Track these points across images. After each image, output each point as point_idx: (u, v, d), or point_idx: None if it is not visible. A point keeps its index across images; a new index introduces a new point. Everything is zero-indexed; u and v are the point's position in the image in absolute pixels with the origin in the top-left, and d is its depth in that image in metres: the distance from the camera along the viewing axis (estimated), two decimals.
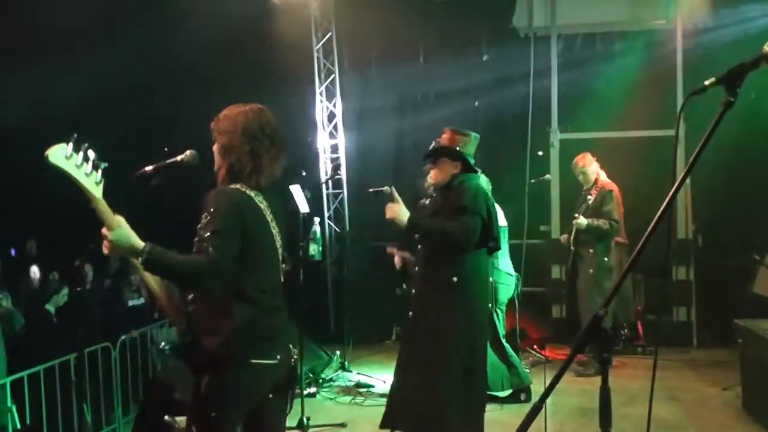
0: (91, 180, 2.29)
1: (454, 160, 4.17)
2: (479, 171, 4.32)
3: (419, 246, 4.25)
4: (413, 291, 4.27)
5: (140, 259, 2.38)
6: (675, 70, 8.16)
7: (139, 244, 2.39)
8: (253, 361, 2.55)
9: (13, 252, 10.05)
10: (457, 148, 4.19)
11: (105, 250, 2.41)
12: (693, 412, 5.51)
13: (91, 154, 2.29)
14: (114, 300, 7.21)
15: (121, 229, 2.38)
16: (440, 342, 4.00)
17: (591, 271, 6.54)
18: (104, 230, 2.38)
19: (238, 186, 2.63)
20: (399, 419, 4.19)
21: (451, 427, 3.96)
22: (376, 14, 8.41)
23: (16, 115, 8.73)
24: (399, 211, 4.04)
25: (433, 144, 4.35)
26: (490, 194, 4.32)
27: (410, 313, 4.23)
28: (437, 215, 4.13)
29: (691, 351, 7.60)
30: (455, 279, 4.00)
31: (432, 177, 4.30)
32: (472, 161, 4.23)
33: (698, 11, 8.19)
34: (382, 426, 4.31)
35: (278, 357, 2.62)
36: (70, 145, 2.23)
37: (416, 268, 4.26)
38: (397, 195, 4.05)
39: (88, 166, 2.28)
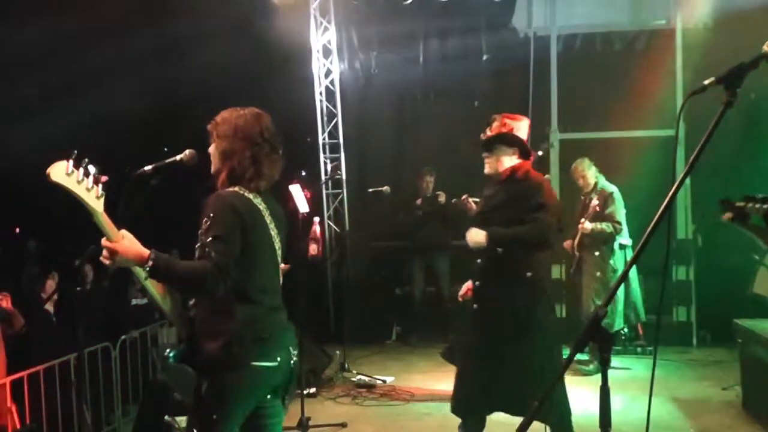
0: (92, 195, 2.31)
1: (510, 147, 4.02)
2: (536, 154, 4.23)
3: None
4: (476, 283, 4.08)
5: (146, 267, 2.39)
6: (675, 70, 8.15)
7: (144, 253, 2.40)
8: (254, 363, 2.57)
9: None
10: (512, 133, 4.03)
11: (104, 261, 2.41)
12: (693, 412, 5.51)
13: (92, 168, 2.31)
14: (114, 300, 7.21)
15: (126, 241, 2.39)
16: (532, 335, 3.88)
17: (598, 274, 6.55)
18: (104, 241, 2.38)
19: (236, 189, 2.64)
20: (502, 406, 4.02)
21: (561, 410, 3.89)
22: (376, 14, 8.41)
23: (15, 114, 8.73)
24: (473, 234, 3.96)
25: (486, 132, 4.14)
26: None
27: (474, 305, 4.06)
28: (504, 209, 3.98)
29: (691, 351, 7.60)
30: (529, 274, 3.91)
31: (489, 167, 4.09)
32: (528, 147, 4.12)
33: (698, 11, 8.19)
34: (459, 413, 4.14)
35: (278, 359, 2.63)
36: (71, 161, 2.25)
37: (478, 261, 4.07)
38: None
39: (89, 181, 2.30)
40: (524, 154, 4.07)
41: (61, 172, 2.23)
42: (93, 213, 2.33)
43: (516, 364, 3.89)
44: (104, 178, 2.36)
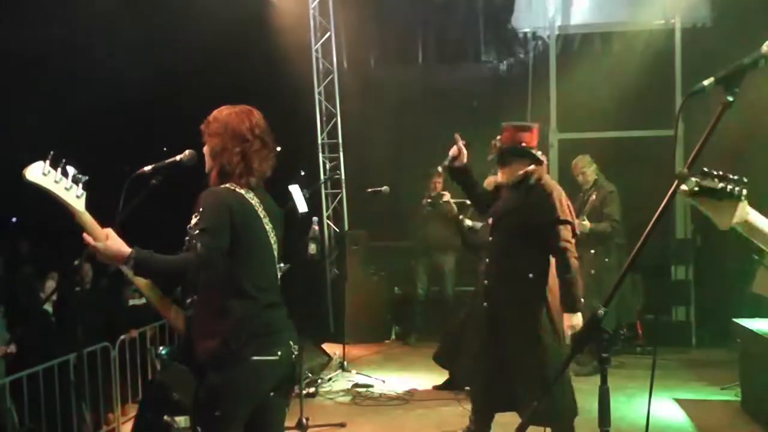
0: (71, 194, 2.32)
1: (522, 158, 4.13)
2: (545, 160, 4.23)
3: (490, 238, 4.19)
4: (485, 282, 4.18)
5: (128, 265, 2.41)
6: (674, 70, 8.16)
7: (125, 251, 2.41)
8: (254, 358, 2.58)
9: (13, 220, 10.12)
10: (522, 145, 4.13)
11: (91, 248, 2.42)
12: (692, 412, 5.51)
13: (71, 169, 2.32)
14: (112, 300, 7.20)
15: (109, 241, 2.41)
16: (530, 337, 3.96)
17: (592, 272, 6.54)
18: (86, 236, 2.40)
19: (228, 185, 2.66)
20: (509, 407, 4.10)
21: (563, 411, 3.86)
22: (376, 14, 8.42)
23: (13, 113, 8.72)
24: (572, 320, 3.94)
25: (495, 144, 4.31)
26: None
27: (484, 303, 4.16)
28: (514, 213, 4.07)
29: (690, 351, 7.60)
30: (531, 276, 3.98)
31: (502, 176, 4.23)
32: (538, 154, 4.18)
33: (698, 11, 8.19)
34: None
35: (279, 353, 2.64)
36: (47, 162, 2.26)
37: (486, 260, 4.20)
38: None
39: (68, 181, 2.30)
40: (536, 161, 4.16)
41: (37, 172, 2.24)
42: (74, 213, 2.34)
43: (522, 363, 3.96)
44: (84, 178, 2.36)
